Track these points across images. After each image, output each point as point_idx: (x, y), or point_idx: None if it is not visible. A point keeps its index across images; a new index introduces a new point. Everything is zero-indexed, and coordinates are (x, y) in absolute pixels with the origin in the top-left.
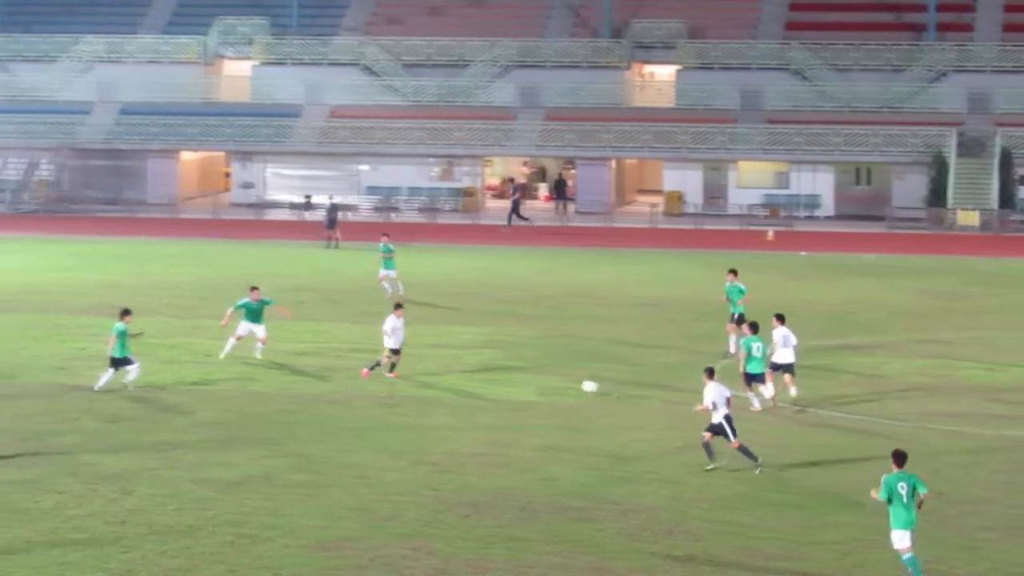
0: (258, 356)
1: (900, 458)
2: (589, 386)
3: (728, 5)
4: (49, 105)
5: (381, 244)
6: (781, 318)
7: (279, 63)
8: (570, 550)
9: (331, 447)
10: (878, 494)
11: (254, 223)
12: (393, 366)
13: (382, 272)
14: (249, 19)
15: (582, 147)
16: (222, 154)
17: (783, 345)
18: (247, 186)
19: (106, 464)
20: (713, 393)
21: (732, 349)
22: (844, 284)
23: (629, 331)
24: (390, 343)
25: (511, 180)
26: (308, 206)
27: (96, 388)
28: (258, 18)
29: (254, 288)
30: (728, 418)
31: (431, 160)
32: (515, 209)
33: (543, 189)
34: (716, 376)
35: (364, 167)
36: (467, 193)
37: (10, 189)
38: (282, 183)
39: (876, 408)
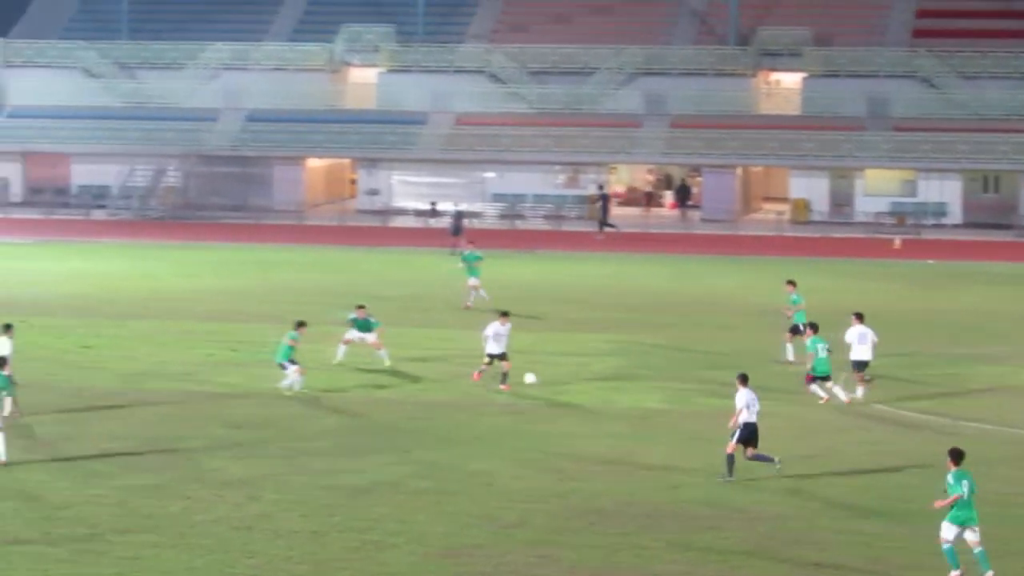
0: (387, 363)
1: (958, 456)
2: (530, 378)
3: (855, 12)
4: (176, 112)
5: (466, 252)
6: (860, 316)
7: (405, 70)
8: (696, 558)
9: (458, 454)
10: (951, 492)
11: (380, 230)
12: (505, 376)
13: (471, 280)
14: (375, 26)
15: (708, 154)
16: (348, 161)
17: (859, 343)
18: (373, 193)
19: (232, 470)
20: (746, 398)
21: (791, 357)
22: (972, 293)
23: (755, 339)
24: (491, 348)
25: (599, 187)
26: (433, 213)
27: (283, 385)
28: (384, 25)
29: (360, 307)
30: (748, 425)
31: (556, 167)
32: (603, 215)
33: (668, 197)
34: (749, 383)
35: (490, 174)
36: (592, 200)
37: (137, 195)
38: (408, 190)
39: (1004, 417)
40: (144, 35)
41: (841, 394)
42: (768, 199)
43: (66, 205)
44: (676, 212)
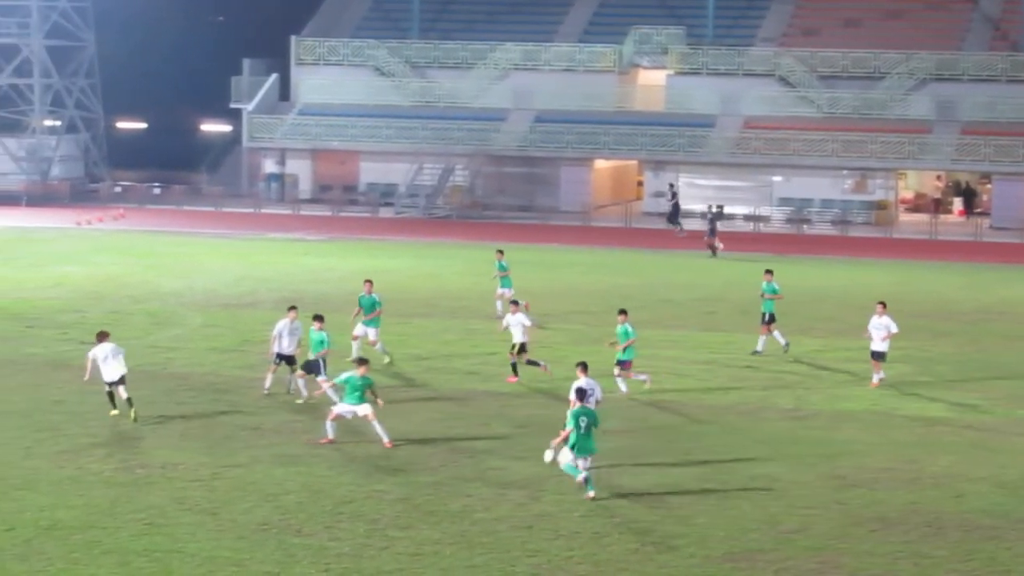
0: (386, 360)
1: (581, 394)
2: (548, 455)
3: None
4: (465, 112)
5: (496, 263)
6: (884, 305)
7: (694, 73)
8: (979, 569)
9: (739, 458)
10: (567, 424)
11: (665, 233)
12: (514, 366)
13: (499, 290)
14: (665, 28)
15: (998, 162)
16: (635, 163)
17: (877, 332)
18: (660, 195)
19: (514, 469)
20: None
21: (760, 348)
22: None
23: None
24: (516, 337)
25: (671, 185)
26: (720, 216)
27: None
28: (673, 27)
29: (367, 281)
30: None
31: (844, 173)
32: (675, 214)
33: (957, 203)
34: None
35: (777, 178)
36: (880, 206)
37: (424, 194)
38: (694, 193)
39: None
40: (434, 35)
41: (645, 379)
42: None
43: (354, 203)
44: (964, 219)
